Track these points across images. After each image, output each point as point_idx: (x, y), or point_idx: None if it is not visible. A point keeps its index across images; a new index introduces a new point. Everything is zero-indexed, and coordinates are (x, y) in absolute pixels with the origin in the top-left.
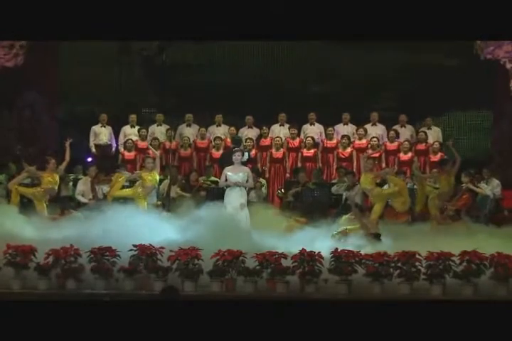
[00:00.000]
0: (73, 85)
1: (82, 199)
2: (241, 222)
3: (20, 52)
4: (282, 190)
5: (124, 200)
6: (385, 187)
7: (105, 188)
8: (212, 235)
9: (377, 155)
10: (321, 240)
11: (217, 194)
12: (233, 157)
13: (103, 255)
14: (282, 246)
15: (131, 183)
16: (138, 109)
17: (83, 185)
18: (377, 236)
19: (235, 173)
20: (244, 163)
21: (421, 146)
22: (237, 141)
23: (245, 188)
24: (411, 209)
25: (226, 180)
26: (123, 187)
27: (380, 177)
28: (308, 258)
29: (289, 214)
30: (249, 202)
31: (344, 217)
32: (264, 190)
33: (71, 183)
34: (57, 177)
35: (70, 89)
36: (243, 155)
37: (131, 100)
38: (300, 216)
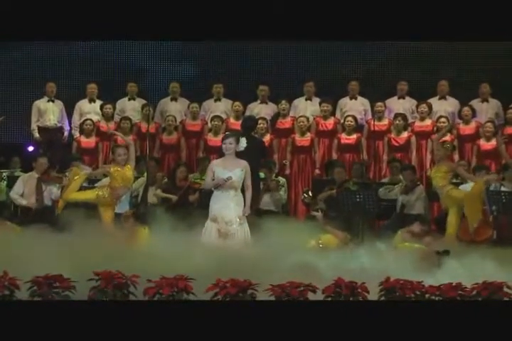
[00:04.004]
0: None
1: (20, 201)
2: (240, 241)
3: None
4: (310, 193)
5: (84, 206)
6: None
7: (55, 190)
8: (206, 259)
9: (448, 139)
10: (365, 264)
11: None
12: (223, 145)
13: (51, 286)
14: (309, 272)
15: (92, 183)
16: (101, 76)
17: (25, 182)
18: (444, 254)
19: (228, 169)
20: (244, 154)
21: (511, 129)
22: (249, 121)
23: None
24: (496, 222)
25: (214, 179)
26: (81, 188)
27: (454, 170)
28: (346, 292)
29: (319, 228)
30: (261, 211)
31: (400, 232)
32: (283, 193)
33: (4, 183)
34: None
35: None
36: (238, 141)
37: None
38: (335, 230)
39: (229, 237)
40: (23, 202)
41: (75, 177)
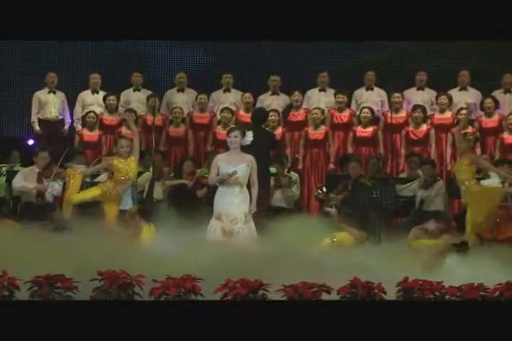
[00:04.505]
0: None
1: (27, 186)
2: (245, 240)
3: None
4: (324, 189)
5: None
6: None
7: (57, 186)
8: (214, 258)
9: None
10: (382, 264)
11: None
12: (228, 139)
13: (52, 286)
14: (323, 272)
15: (93, 177)
16: (104, 66)
17: (25, 176)
18: (463, 246)
19: (233, 164)
20: (253, 148)
21: None
22: (259, 114)
23: (246, 187)
24: None
25: (219, 174)
26: (84, 185)
27: (477, 163)
28: (362, 293)
29: (333, 225)
30: (273, 208)
31: (414, 229)
32: (295, 189)
33: (3, 178)
34: None
35: None
36: (244, 135)
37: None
38: (350, 228)
39: (234, 236)
40: (31, 185)
41: (71, 181)
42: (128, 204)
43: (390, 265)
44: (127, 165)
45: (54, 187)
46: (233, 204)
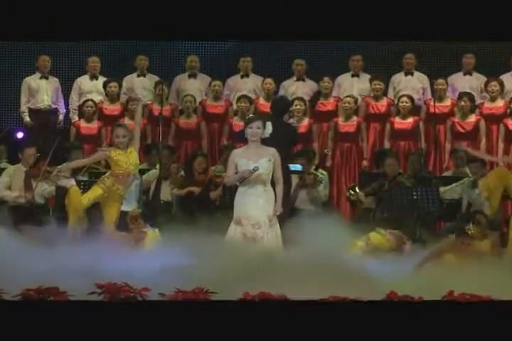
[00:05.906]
0: None
1: (9, 195)
2: (270, 247)
3: None
4: (356, 189)
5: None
6: None
7: (47, 186)
8: (230, 268)
9: None
10: (423, 274)
11: None
12: (249, 130)
13: (44, 301)
14: (355, 283)
15: (91, 176)
16: (104, 48)
17: (11, 176)
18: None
19: (253, 160)
20: (272, 143)
21: None
22: (280, 103)
23: (270, 185)
24: None
25: (237, 172)
26: (82, 184)
27: None
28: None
29: (368, 230)
30: (297, 210)
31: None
32: (323, 188)
33: None
34: None
35: None
36: (265, 126)
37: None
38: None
39: (257, 242)
40: (14, 193)
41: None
42: (130, 204)
43: (432, 275)
44: (126, 158)
45: (44, 187)
46: (257, 206)
